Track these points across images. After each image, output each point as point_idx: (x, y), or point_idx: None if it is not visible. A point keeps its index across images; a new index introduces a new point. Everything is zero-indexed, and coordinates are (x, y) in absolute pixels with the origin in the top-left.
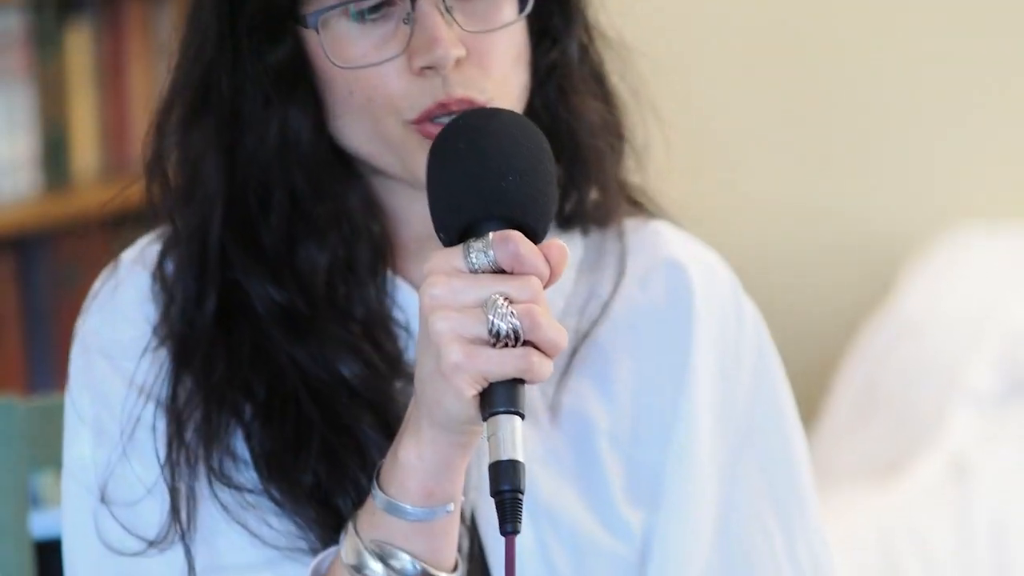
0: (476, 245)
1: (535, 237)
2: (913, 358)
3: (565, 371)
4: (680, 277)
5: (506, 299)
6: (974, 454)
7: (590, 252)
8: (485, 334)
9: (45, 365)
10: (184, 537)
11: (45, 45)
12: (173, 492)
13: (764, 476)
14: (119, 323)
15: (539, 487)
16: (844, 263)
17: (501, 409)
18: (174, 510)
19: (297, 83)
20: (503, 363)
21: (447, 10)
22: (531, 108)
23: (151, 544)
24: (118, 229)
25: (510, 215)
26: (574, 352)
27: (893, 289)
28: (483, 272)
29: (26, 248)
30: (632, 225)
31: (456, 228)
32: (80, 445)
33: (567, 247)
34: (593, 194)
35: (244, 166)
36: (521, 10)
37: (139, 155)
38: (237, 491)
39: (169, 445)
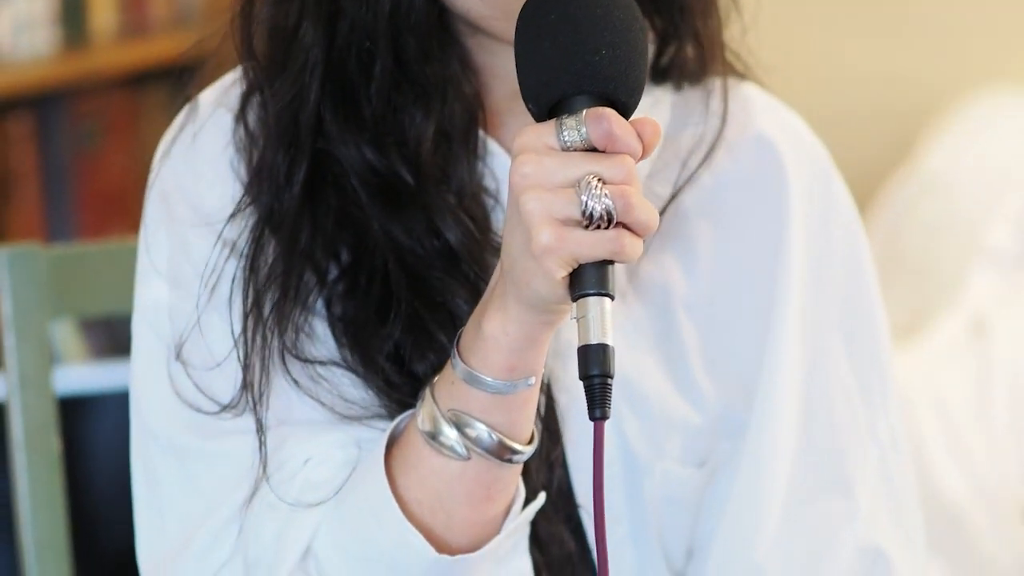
0: (568, 122)
1: (626, 112)
2: (934, 217)
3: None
4: (770, 150)
5: (599, 180)
6: (993, 313)
7: (678, 112)
8: (577, 215)
9: (62, 223)
10: (255, 408)
11: None
12: (245, 366)
13: (850, 353)
14: (202, 170)
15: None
16: (869, 121)
17: (591, 291)
18: (246, 383)
19: None
20: (595, 245)
21: None
22: None
23: (224, 408)
24: (137, 87)
25: (602, 90)
26: (665, 207)
27: (916, 148)
28: (575, 150)
29: (44, 106)
30: (722, 88)
31: (546, 102)
32: (154, 291)
33: (659, 107)
34: (689, 49)
35: (345, 34)
36: None
37: (157, 14)
38: (310, 364)
39: (245, 316)
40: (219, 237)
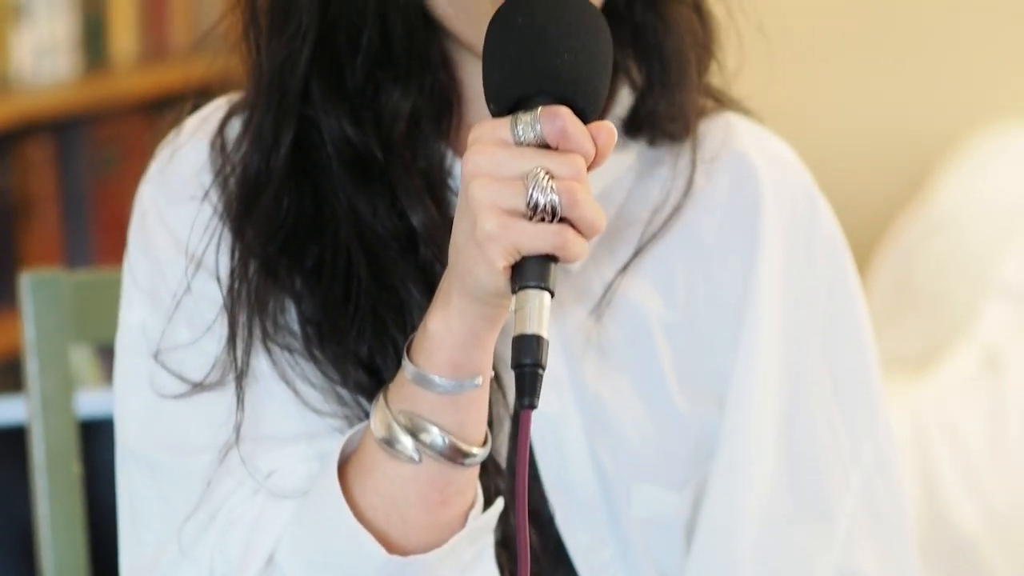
0: (524, 118)
1: (584, 118)
2: (946, 252)
3: (625, 268)
4: (747, 170)
5: (547, 173)
6: (1006, 347)
7: (646, 164)
8: (522, 206)
9: (82, 248)
10: (237, 370)
11: None
12: (231, 325)
13: (833, 377)
14: (175, 190)
15: (588, 375)
16: (880, 158)
17: (531, 284)
18: (231, 341)
19: None
20: (537, 237)
21: None
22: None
23: (197, 385)
24: (156, 112)
25: (561, 92)
26: (636, 252)
27: (927, 184)
28: (529, 146)
29: (64, 131)
30: (704, 119)
31: (506, 100)
32: (135, 311)
33: (626, 153)
34: (665, 105)
35: (338, 4)
36: None
37: (177, 39)
38: (288, 351)
39: (231, 273)
40: (184, 245)
